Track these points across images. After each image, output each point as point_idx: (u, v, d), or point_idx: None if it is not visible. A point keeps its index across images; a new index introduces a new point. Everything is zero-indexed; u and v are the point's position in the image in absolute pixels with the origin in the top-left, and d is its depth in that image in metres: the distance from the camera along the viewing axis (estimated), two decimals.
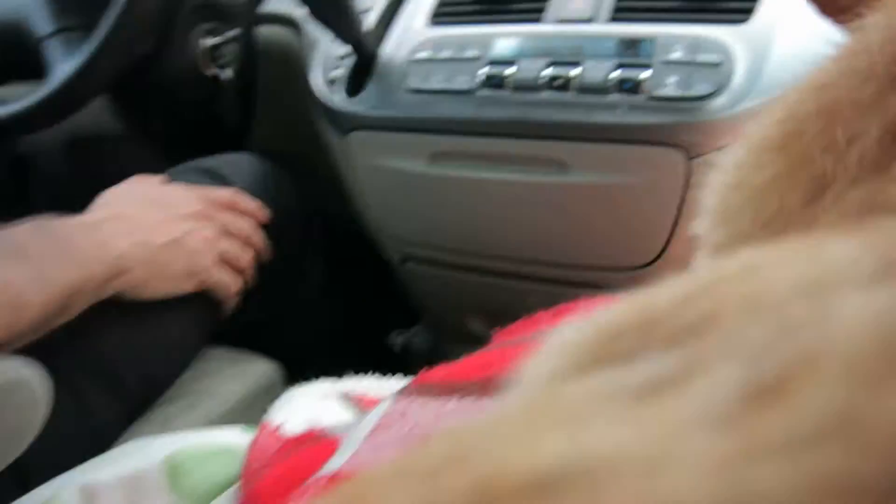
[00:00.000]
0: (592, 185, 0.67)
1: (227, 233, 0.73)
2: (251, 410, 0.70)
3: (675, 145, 0.62)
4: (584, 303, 0.45)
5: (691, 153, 0.62)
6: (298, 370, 0.67)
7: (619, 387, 0.12)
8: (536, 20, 0.71)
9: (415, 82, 0.71)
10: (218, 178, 0.79)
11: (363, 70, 0.75)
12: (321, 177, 0.84)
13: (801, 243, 0.15)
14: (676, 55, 0.63)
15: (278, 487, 0.42)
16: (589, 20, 0.69)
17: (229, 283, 0.73)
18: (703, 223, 0.26)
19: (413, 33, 0.74)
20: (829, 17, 0.28)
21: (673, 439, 0.10)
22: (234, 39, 0.83)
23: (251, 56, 0.87)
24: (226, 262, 0.73)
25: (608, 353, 0.15)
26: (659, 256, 0.67)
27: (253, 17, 0.86)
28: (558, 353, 0.16)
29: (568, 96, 0.66)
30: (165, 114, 0.91)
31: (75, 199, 0.74)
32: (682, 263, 0.25)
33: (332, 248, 0.92)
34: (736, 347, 0.11)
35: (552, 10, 0.70)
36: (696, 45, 0.63)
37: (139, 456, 0.51)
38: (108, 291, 0.65)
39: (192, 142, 0.88)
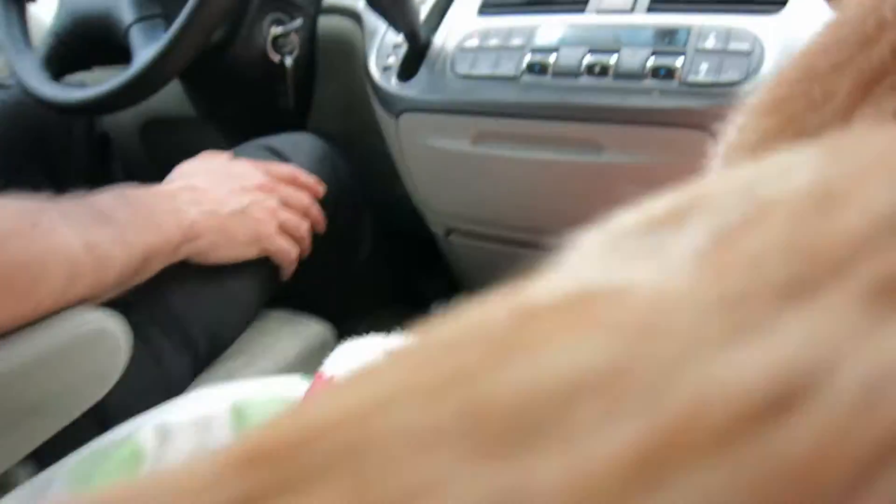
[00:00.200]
0: (625, 166, 0.69)
1: (287, 204, 0.77)
2: (306, 366, 0.75)
3: (704, 128, 0.64)
4: None
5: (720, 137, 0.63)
6: (348, 331, 0.71)
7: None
8: (580, 11, 0.73)
9: (463, 68, 0.74)
10: (279, 156, 0.82)
11: (416, 57, 0.78)
12: (373, 156, 0.87)
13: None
14: (709, 44, 0.65)
15: None
16: (628, 11, 0.71)
17: (288, 250, 0.77)
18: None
19: (463, 23, 0.77)
20: None
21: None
22: (298, 29, 0.87)
23: (312, 44, 0.90)
24: (285, 231, 0.76)
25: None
26: None
27: (317, 7, 0.90)
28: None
29: (605, 82, 0.68)
30: (233, 97, 0.95)
31: (150, 172, 0.78)
32: None
33: (380, 222, 0.95)
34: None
35: (594, 1, 0.73)
36: (728, 34, 0.65)
37: (207, 402, 0.55)
38: (180, 255, 0.70)
39: (256, 122, 0.92)
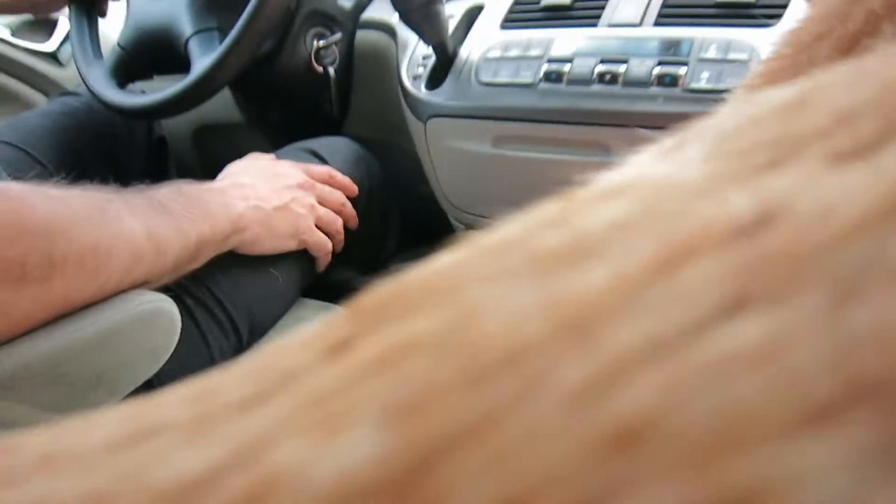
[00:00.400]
0: None
1: (324, 202, 0.81)
2: None
3: None
4: None
5: None
6: None
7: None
8: (593, 25, 0.76)
9: (486, 77, 0.78)
10: (318, 158, 0.86)
11: (443, 67, 0.81)
12: (402, 157, 0.90)
13: None
14: (710, 54, 0.68)
15: None
16: (637, 24, 0.73)
17: (324, 244, 0.80)
18: None
19: (487, 36, 0.81)
20: None
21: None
22: (338, 42, 0.90)
23: (351, 56, 0.94)
24: (322, 226, 0.79)
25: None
26: None
27: (355, 22, 0.93)
28: None
29: (615, 89, 0.71)
30: (279, 104, 0.99)
31: (201, 173, 0.81)
32: None
33: (407, 218, 0.97)
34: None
35: (606, 16, 0.75)
36: (728, 45, 0.67)
37: None
38: (228, 245, 0.74)
39: (298, 127, 0.96)
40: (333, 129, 0.97)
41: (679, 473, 0.08)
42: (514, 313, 0.11)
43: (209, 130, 1.10)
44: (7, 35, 1.19)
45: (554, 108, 0.74)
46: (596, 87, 0.72)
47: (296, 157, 0.85)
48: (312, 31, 0.91)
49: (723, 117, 0.17)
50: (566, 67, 0.73)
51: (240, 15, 0.77)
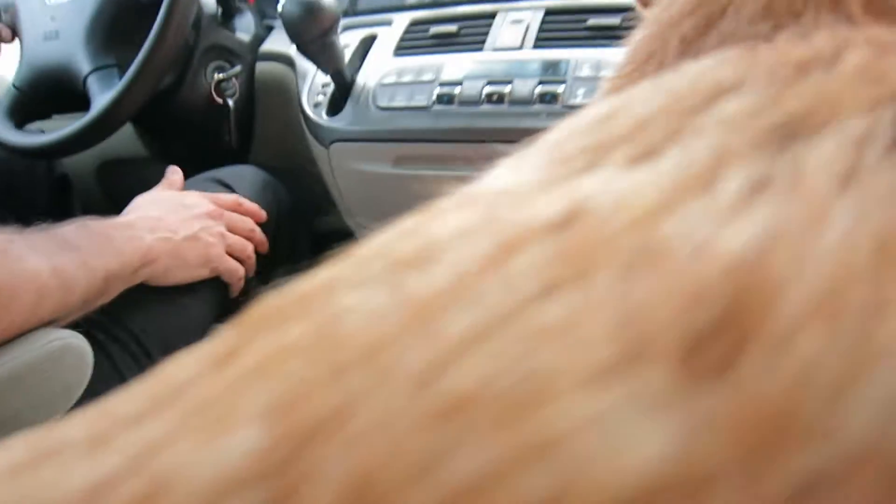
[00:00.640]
0: None
1: (233, 229, 0.80)
2: None
3: None
4: None
5: None
6: None
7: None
8: (479, 49, 0.78)
9: (383, 101, 0.79)
10: (225, 186, 0.85)
11: (342, 94, 0.82)
12: (308, 181, 0.90)
13: None
14: (585, 72, 0.71)
15: None
16: (518, 48, 0.76)
17: (236, 269, 0.79)
18: None
19: (381, 63, 0.82)
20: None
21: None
22: (238, 74, 0.90)
23: (251, 87, 0.93)
24: (232, 252, 0.78)
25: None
26: None
27: (254, 55, 0.93)
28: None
29: (502, 108, 0.74)
30: (182, 136, 0.97)
31: (106, 209, 0.78)
32: None
33: (317, 239, 0.97)
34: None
35: (490, 41, 0.78)
36: (599, 64, 0.71)
37: None
38: (138, 278, 0.71)
39: (203, 158, 0.94)
40: (239, 158, 0.96)
41: (495, 432, 0.09)
42: (372, 313, 0.12)
43: (113, 165, 1.07)
44: None
45: (448, 128, 0.76)
46: (485, 107, 0.74)
47: (203, 187, 0.83)
48: (212, 65, 0.89)
49: (557, 129, 0.19)
50: (457, 90, 0.75)
51: (138, 51, 0.76)
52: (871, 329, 0.08)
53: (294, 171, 0.92)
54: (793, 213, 0.10)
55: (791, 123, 0.12)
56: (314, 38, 0.76)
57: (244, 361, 0.14)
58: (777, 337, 0.09)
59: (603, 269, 0.11)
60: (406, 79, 0.79)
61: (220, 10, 0.90)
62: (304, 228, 0.95)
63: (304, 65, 0.87)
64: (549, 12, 0.78)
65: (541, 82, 0.72)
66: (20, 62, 0.89)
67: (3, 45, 0.92)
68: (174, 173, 0.82)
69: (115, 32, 0.85)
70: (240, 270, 0.79)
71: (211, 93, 0.90)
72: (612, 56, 0.71)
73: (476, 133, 0.74)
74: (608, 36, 0.73)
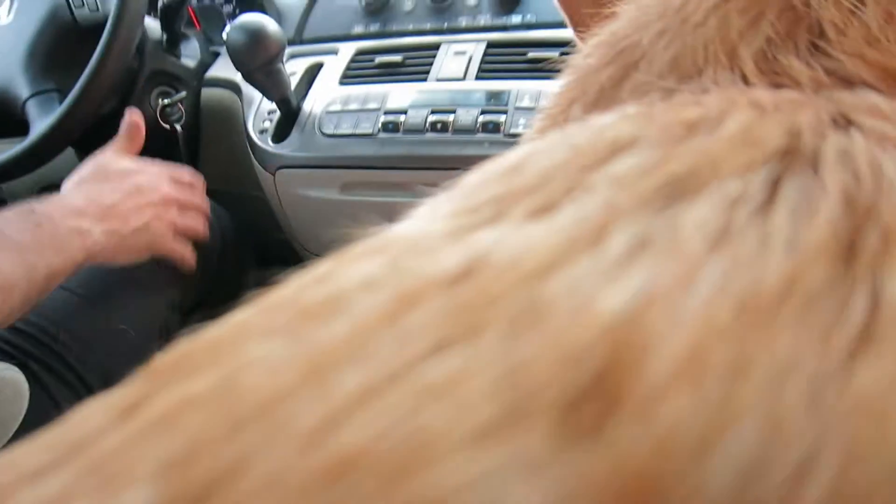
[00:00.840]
0: None
1: (182, 207, 0.75)
2: None
3: None
4: None
5: None
6: None
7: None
8: (423, 79, 0.79)
9: (329, 129, 0.79)
10: None
11: (288, 121, 0.82)
12: (255, 207, 0.89)
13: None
14: (525, 103, 0.73)
15: None
16: (461, 79, 0.77)
17: (182, 252, 0.75)
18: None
19: (327, 91, 0.82)
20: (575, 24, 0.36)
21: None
22: (183, 99, 0.88)
23: (197, 112, 0.92)
24: (181, 233, 0.75)
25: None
26: None
27: (200, 80, 0.92)
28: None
29: (446, 136, 0.74)
30: None
31: None
32: None
33: (264, 264, 0.96)
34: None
35: (433, 71, 0.79)
36: (539, 95, 0.73)
37: None
38: (79, 269, 0.66)
39: None
40: None
41: (378, 494, 0.09)
42: (272, 366, 0.12)
43: (53, 191, 1.03)
44: None
45: (393, 155, 0.76)
46: (429, 136, 0.75)
47: None
48: (157, 90, 0.88)
49: (472, 174, 0.19)
50: (402, 118, 0.76)
51: (79, 76, 0.74)
52: (730, 389, 0.09)
53: (241, 197, 0.91)
54: (667, 273, 0.10)
55: (675, 183, 0.12)
56: (260, 65, 0.75)
57: (147, 414, 0.14)
58: (644, 398, 0.09)
59: (491, 326, 0.11)
60: (352, 107, 0.79)
61: (164, 36, 0.89)
62: (250, 254, 0.94)
63: (251, 91, 0.87)
64: (491, 45, 0.80)
65: (483, 112, 0.73)
66: None
67: None
68: (134, 126, 0.77)
69: (55, 57, 0.83)
70: (185, 252, 0.75)
71: (156, 118, 0.88)
72: (551, 87, 0.72)
73: (421, 160, 0.75)
74: (547, 69, 0.75)
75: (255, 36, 0.73)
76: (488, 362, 0.10)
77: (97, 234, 0.66)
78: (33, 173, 0.82)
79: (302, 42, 0.92)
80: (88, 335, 0.72)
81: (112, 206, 0.69)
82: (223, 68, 0.93)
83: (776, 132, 0.13)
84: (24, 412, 0.63)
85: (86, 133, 0.79)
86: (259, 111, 0.86)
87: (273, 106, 0.83)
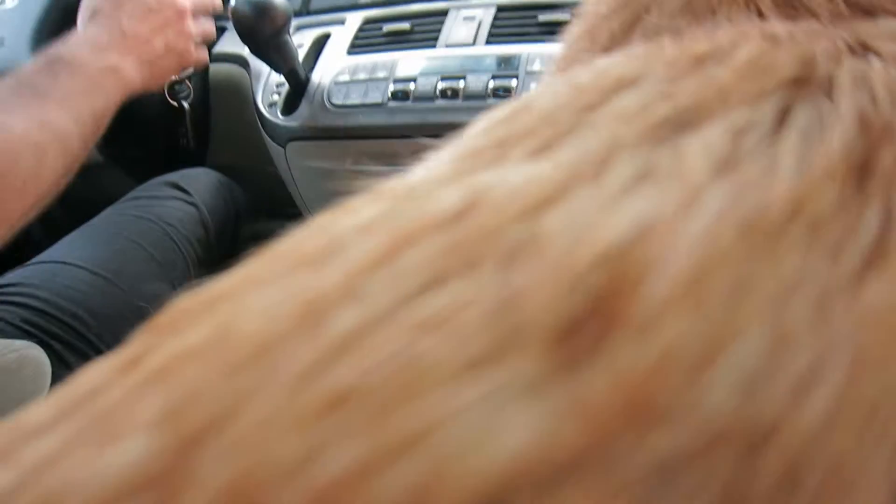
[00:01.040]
0: None
1: (194, 14, 0.74)
2: None
3: None
4: None
5: None
6: None
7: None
8: (432, 46, 0.78)
9: (338, 100, 0.78)
10: (179, 189, 0.83)
11: (297, 93, 0.81)
12: (269, 181, 0.89)
13: None
14: (537, 67, 0.71)
15: None
16: (471, 44, 0.76)
17: (204, 57, 0.76)
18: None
19: (335, 62, 0.81)
20: None
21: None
22: (191, 76, 0.88)
23: (205, 89, 0.91)
24: (200, 39, 0.75)
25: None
26: None
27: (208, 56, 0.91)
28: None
29: (456, 103, 0.73)
30: (136, 141, 0.95)
31: (63, 214, 0.76)
32: None
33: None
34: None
35: (442, 37, 0.78)
36: (551, 59, 0.71)
37: None
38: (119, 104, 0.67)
39: (159, 162, 0.93)
40: (195, 160, 0.94)
41: (367, 428, 0.09)
42: (267, 313, 0.12)
43: None
44: None
45: (403, 124, 0.75)
46: (440, 103, 0.74)
47: (157, 192, 0.82)
48: None
49: (476, 122, 0.19)
50: (411, 86, 0.75)
51: None
52: (730, 309, 0.08)
53: (252, 171, 0.91)
54: (670, 200, 0.10)
55: (681, 114, 0.12)
56: (266, 38, 0.75)
57: (146, 367, 0.13)
58: (644, 317, 0.09)
59: (487, 260, 0.10)
60: (360, 76, 0.78)
61: None
62: (265, 228, 0.95)
63: (258, 65, 0.86)
64: (501, 9, 0.78)
65: (494, 77, 0.72)
66: None
67: None
68: None
69: (61, 39, 0.83)
70: (204, 56, 0.76)
71: (165, 96, 0.88)
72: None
73: (431, 128, 0.74)
74: (559, 31, 0.73)
75: (261, 8, 0.72)
76: (483, 294, 0.10)
77: (129, 68, 0.66)
78: None
79: (308, 13, 0.91)
80: (108, 313, 0.73)
81: (134, 36, 0.68)
82: (230, 43, 0.92)
83: (788, 61, 0.12)
84: (46, 390, 0.64)
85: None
86: (268, 85, 0.85)
87: (281, 79, 0.83)
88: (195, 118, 0.90)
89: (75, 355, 0.70)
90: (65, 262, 0.72)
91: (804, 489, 0.07)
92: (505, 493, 0.08)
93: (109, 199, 0.81)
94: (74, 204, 1.01)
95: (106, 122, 0.64)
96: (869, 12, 0.16)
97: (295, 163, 0.83)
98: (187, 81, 0.89)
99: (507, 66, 0.73)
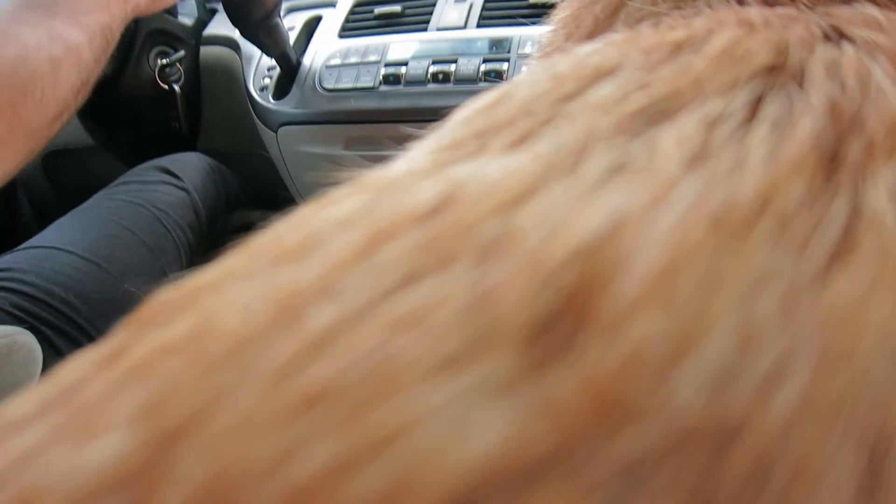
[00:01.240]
0: None
1: None
2: None
3: None
4: None
5: None
6: None
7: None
8: (423, 29, 0.77)
9: (329, 83, 0.77)
10: (169, 174, 0.82)
11: (288, 77, 0.80)
12: (260, 165, 0.88)
13: None
14: (528, 50, 0.71)
15: None
16: (462, 27, 0.75)
17: None
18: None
19: (326, 45, 0.81)
20: None
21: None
22: (181, 59, 0.87)
23: (196, 72, 0.91)
24: None
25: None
26: None
27: (198, 39, 0.90)
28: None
29: (448, 87, 0.73)
30: (127, 124, 0.94)
31: (55, 200, 0.76)
32: None
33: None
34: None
35: (434, 20, 0.77)
36: (538, 42, 0.70)
37: None
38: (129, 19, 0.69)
39: (150, 146, 0.92)
40: (186, 145, 0.94)
41: (342, 427, 0.09)
42: (246, 308, 0.12)
43: (59, 156, 1.03)
44: None
45: (395, 108, 0.75)
46: (431, 87, 0.74)
47: (147, 176, 0.81)
48: (155, 51, 0.87)
49: (459, 111, 0.19)
50: (403, 70, 0.74)
51: None
52: (697, 307, 0.08)
53: (245, 156, 0.91)
54: (642, 194, 0.10)
55: (656, 105, 0.12)
56: (257, 21, 0.74)
57: (127, 361, 0.13)
58: (613, 315, 0.09)
59: (462, 256, 0.10)
60: (352, 60, 0.78)
61: None
62: (257, 212, 0.94)
63: (249, 48, 0.85)
64: None
65: (485, 60, 0.72)
66: None
67: None
68: None
69: None
70: None
71: (155, 78, 0.87)
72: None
73: (423, 112, 0.74)
74: (550, 13, 0.73)
75: None
76: (457, 291, 0.10)
77: None
78: None
79: None
80: (99, 299, 0.73)
81: None
82: (221, 25, 0.91)
83: (762, 49, 0.12)
84: (37, 376, 0.64)
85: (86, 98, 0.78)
86: (259, 68, 0.84)
87: (272, 62, 0.82)
88: (186, 101, 0.90)
89: (66, 341, 0.70)
90: (55, 248, 0.72)
91: (771, 486, 0.08)
92: (477, 492, 0.08)
93: (100, 184, 0.81)
94: (65, 188, 1.01)
95: (114, 39, 0.66)
96: None
97: (287, 147, 0.82)
98: (178, 64, 0.88)
99: (498, 48, 0.72)
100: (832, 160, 0.10)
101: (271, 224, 0.16)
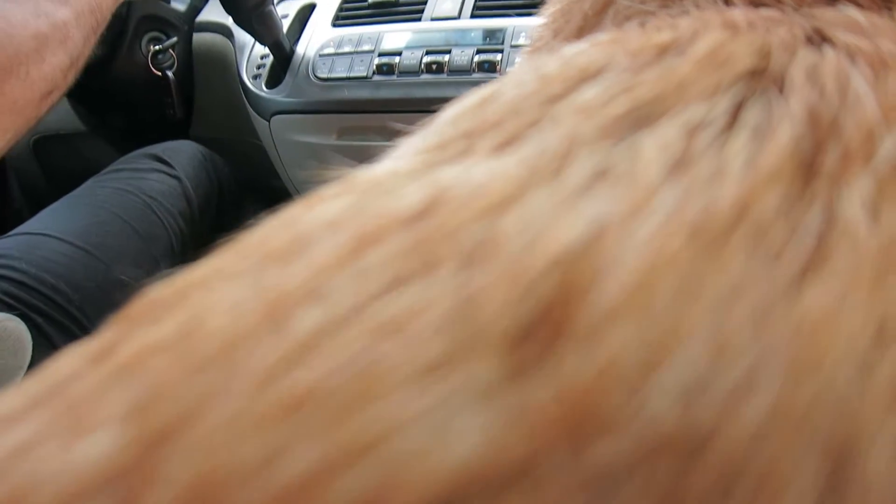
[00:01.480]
0: None
1: None
2: None
3: None
4: None
5: None
6: None
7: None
8: (417, 19, 0.77)
9: (323, 73, 0.77)
10: (161, 162, 0.82)
11: (281, 65, 0.80)
12: (253, 154, 0.88)
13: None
14: (522, 41, 0.71)
15: None
16: (456, 17, 0.75)
17: None
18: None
19: (320, 34, 0.80)
20: None
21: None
22: (174, 45, 0.87)
23: (189, 58, 0.90)
24: None
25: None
26: None
27: (191, 25, 0.90)
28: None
29: (441, 77, 0.73)
30: (119, 110, 0.94)
31: (45, 185, 0.75)
32: None
33: (261, 211, 0.96)
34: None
35: (428, 10, 0.77)
36: (530, 37, 0.70)
37: None
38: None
39: (142, 133, 0.91)
40: (179, 132, 0.93)
41: (326, 431, 0.09)
42: (234, 309, 0.12)
43: (50, 141, 1.03)
44: None
45: (388, 98, 0.75)
46: (424, 77, 0.73)
47: (138, 164, 0.81)
48: (147, 36, 0.86)
49: (446, 110, 0.19)
50: (396, 60, 0.74)
51: None
52: (672, 318, 0.09)
53: (237, 144, 0.90)
54: (622, 202, 0.10)
55: (640, 109, 0.12)
56: (250, 8, 0.73)
57: (116, 359, 0.14)
58: (589, 326, 0.09)
59: (446, 262, 0.11)
60: (345, 49, 0.77)
61: None
62: (250, 200, 0.94)
63: (243, 36, 0.85)
64: None
65: (479, 51, 0.71)
66: None
67: None
68: None
69: None
70: None
71: (148, 65, 0.86)
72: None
73: (416, 103, 0.74)
74: (543, 5, 0.73)
75: None
76: (440, 297, 0.10)
77: None
78: None
79: None
80: (89, 287, 0.73)
81: None
82: (214, 12, 0.91)
83: (746, 52, 0.12)
84: (27, 363, 0.64)
85: (78, 83, 0.77)
86: (252, 56, 0.84)
87: (266, 50, 0.81)
88: (179, 88, 0.89)
89: (56, 328, 0.70)
90: (46, 234, 0.72)
91: (738, 494, 0.08)
92: (455, 497, 0.08)
93: (92, 170, 0.80)
94: (56, 173, 1.00)
95: (105, 19, 0.65)
96: None
97: (280, 136, 0.82)
98: (171, 51, 0.87)
99: (492, 39, 0.72)
100: (810, 167, 0.10)
101: (261, 221, 0.17)
